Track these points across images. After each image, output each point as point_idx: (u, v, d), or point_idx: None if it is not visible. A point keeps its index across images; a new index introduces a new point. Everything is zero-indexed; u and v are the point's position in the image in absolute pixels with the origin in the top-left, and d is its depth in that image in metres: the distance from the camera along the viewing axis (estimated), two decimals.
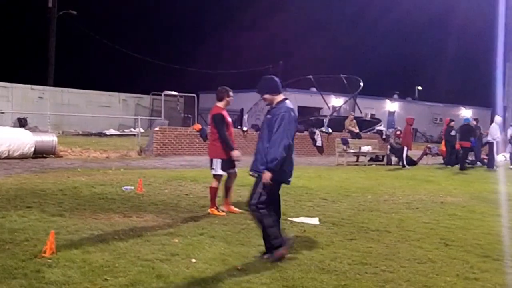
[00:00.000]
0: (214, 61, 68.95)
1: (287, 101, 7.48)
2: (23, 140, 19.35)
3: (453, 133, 25.62)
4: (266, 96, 7.57)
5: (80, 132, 39.43)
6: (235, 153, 10.43)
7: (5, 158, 18.46)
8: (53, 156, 20.43)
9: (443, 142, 26.88)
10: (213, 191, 10.59)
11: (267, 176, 7.20)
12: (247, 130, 27.73)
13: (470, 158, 26.45)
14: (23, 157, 19.07)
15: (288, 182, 7.56)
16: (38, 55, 52.46)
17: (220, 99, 10.76)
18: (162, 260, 7.02)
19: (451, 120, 26.85)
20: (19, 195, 11.47)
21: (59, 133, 33.57)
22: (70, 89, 44.91)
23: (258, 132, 27.34)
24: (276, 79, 7.74)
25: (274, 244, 7.31)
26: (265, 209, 7.36)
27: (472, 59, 72.90)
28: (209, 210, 10.55)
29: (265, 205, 7.36)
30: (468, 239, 9.22)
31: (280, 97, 7.52)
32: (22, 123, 36.65)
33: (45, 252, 6.92)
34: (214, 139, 10.54)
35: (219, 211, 10.49)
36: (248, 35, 72.31)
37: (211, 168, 10.61)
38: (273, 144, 7.14)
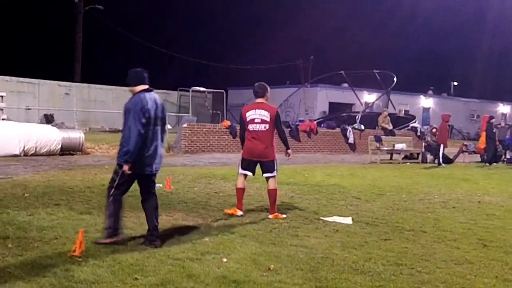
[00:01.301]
0: (243, 57, 69.03)
1: (145, 93, 7.77)
2: (50, 137, 19.58)
3: (494, 130, 25.44)
4: (129, 88, 7.93)
5: (107, 129, 39.68)
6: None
7: (32, 155, 18.71)
8: (80, 153, 20.65)
9: (481, 139, 26.65)
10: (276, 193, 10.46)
11: (125, 168, 7.54)
12: None
13: (508, 156, 26.24)
14: (50, 154, 19.30)
15: (147, 173, 7.84)
16: (65, 51, 52.93)
17: (262, 96, 10.39)
18: (192, 259, 7.07)
19: (491, 117, 26.63)
20: (47, 192, 11.62)
21: (86, 129, 33.87)
22: (97, 85, 45.23)
23: (288, 129, 27.48)
24: (139, 70, 8.00)
25: (106, 232, 7.68)
26: (117, 195, 7.73)
27: (509, 54, 72.08)
28: (271, 216, 10.24)
29: (118, 192, 7.73)
30: (507, 240, 9.15)
31: (139, 88, 7.82)
32: (48, 119, 36.96)
33: (74, 251, 7.00)
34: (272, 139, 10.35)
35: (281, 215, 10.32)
36: (279, 30, 72.32)
37: (272, 170, 10.43)
38: (124, 139, 7.56)
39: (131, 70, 8.01)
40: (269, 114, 10.16)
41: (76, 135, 20.86)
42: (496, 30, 72.49)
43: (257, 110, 10.20)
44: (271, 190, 10.38)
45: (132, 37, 56.16)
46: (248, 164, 10.41)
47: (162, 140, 7.97)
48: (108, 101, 44.42)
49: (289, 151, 10.81)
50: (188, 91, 42.75)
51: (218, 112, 43.51)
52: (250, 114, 10.22)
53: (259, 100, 10.34)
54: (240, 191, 10.46)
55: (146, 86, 7.86)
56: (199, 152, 24.08)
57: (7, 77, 39.74)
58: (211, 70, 59.86)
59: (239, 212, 10.26)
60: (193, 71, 61.42)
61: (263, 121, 10.16)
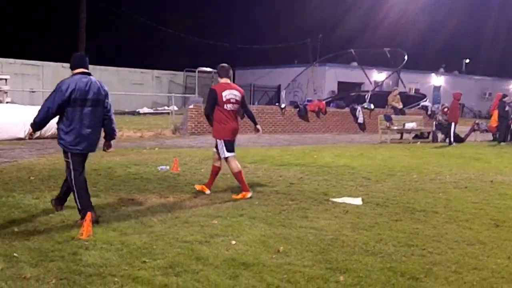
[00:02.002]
0: (250, 36, 68.74)
1: (79, 75, 8.26)
2: (55, 120, 19.57)
3: (507, 108, 25.34)
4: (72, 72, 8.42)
5: (113, 111, 39.64)
6: None
7: (37, 138, 18.73)
8: None
9: (492, 117, 26.55)
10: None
11: (29, 130, 8.46)
12: (285, 107, 27.68)
13: None
14: (55, 137, 19.07)
15: (72, 151, 8.17)
16: (69, 32, 52.81)
17: (229, 76, 10.61)
18: (201, 241, 7.10)
19: (504, 95, 26.51)
20: (52, 175, 11.66)
21: None
22: (102, 67, 45.18)
23: (297, 109, 27.50)
24: (78, 55, 8.81)
25: (82, 213, 7.90)
26: (77, 175, 8.21)
27: None
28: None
29: (76, 171, 8.22)
30: None
31: (75, 71, 8.35)
32: None
33: (81, 234, 7.05)
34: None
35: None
36: (286, 9, 71.93)
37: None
38: (38, 110, 8.19)
39: (73, 55, 8.67)
40: (240, 94, 10.46)
41: None
42: (508, 5, 71.89)
43: (231, 90, 10.37)
44: (217, 167, 10.78)
45: (138, 17, 56.13)
46: (232, 145, 10.55)
47: (97, 121, 8.33)
48: (113, 83, 44.37)
49: (258, 126, 11.05)
50: (195, 71, 42.69)
51: None
52: (226, 94, 10.26)
53: (227, 80, 10.53)
54: (241, 173, 10.49)
55: (83, 70, 8.35)
56: (206, 133, 24.05)
57: (11, 60, 39.79)
58: (217, 50, 59.62)
59: (249, 194, 10.28)
60: (200, 51, 61.17)
61: (236, 102, 10.42)
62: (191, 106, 24.76)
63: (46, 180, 11.05)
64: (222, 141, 10.35)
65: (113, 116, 8.65)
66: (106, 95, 8.46)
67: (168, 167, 13.16)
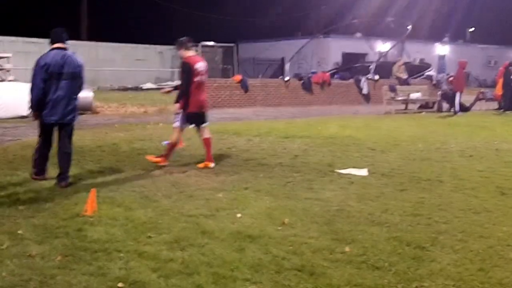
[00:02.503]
0: (252, 9, 68.36)
1: (55, 50, 8.80)
2: None
3: None
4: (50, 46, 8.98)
5: (116, 87, 39.69)
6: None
7: None
8: (90, 112, 20.65)
9: (498, 86, 26.39)
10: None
11: (33, 115, 8.98)
12: (289, 80, 27.59)
13: None
14: None
15: (52, 121, 8.78)
16: (70, 9, 52.60)
17: (192, 47, 10.71)
18: (206, 215, 7.10)
19: (511, 63, 26.35)
20: (56, 153, 11.64)
21: (95, 88, 33.84)
22: (104, 43, 45.06)
23: (301, 81, 27.42)
24: (57, 30, 9.14)
25: (33, 171, 9.07)
26: (39, 144, 9.09)
27: None
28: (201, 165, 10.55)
29: (41, 140, 9.05)
30: None
31: (53, 46, 8.91)
32: None
33: (86, 211, 7.04)
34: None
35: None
36: None
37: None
38: (29, 89, 8.73)
39: (52, 30, 9.15)
40: (206, 66, 10.60)
41: (86, 94, 20.77)
42: None
43: (200, 62, 10.45)
44: (208, 138, 10.71)
45: None
46: (199, 117, 10.61)
47: (71, 93, 8.79)
48: (117, 59, 44.29)
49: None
50: (198, 46, 42.55)
51: (229, 66, 43.30)
52: (198, 66, 10.30)
53: (193, 52, 10.70)
54: (210, 140, 10.70)
55: (60, 44, 8.91)
56: (210, 108, 24.00)
57: (13, 38, 39.63)
58: (220, 24, 59.33)
59: (213, 164, 10.48)
60: (202, 26, 60.91)
61: (206, 72, 10.58)
62: None
63: (50, 158, 11.01)
64: (184, 113, 10.37)
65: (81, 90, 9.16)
66: (83, 70, 8.97)
67: None
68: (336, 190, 8.70)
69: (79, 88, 8.98)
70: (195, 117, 10.49)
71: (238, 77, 26.74)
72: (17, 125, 16.49)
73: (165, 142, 13.04)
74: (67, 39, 9.14)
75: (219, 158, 11.23)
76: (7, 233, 6.29)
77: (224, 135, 14.86)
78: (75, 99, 8.90)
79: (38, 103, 8.61)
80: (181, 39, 10.56)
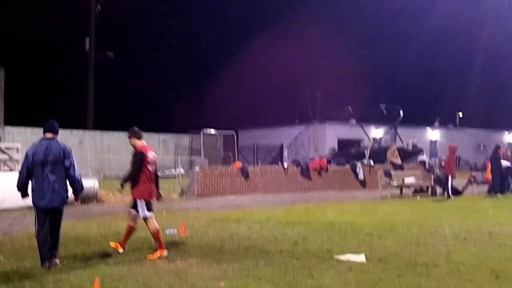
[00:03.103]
0: (252, 97, 69.31)
1: (43, 140, 9.52)
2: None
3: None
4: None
5: (121, 175, 39.77)
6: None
7: None
8: (95, 201, 20.67)
9: (488, 169, 26.46)
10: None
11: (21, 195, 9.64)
12: (287, 167, 27.73)
13: None
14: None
15: (42, 206, 9.33)
16: (78, 100, 53.32)
17: (141, 137, 10.84)
18: None
19: (498, 146, 26.63)
20: (63, 243, 11.54)
21: (100, 177, 33.96)
22: (109, 132, 45.48)
23: (299, 167, 27.50)
24: (48, 121, 9.78)
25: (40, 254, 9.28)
26: (39, 230, 9.36)
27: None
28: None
29: (39, 226, 9.37)
30: None
31: (45, 136, 9.61)
32: None
33: None
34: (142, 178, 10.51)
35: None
36: (285, 69, 72.51)
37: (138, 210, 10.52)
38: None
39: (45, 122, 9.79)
40: (155, 156, 10.79)
41: (91, 183, 20.87)
42: (496, 57, 72.68)
43: (151, 151, 10.70)
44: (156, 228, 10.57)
45: (142, 83, 56.83)
46: (151, 205, 10.61)
47: (57, 179, 9.34)
48: (121, 148, 44.56)
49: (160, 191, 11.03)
50: (199, 133, 42.91)
51: (230, 154, 43.56)
52: (150, 156, 10.55)
53: (143, 142, 10.81)
54: (159, 233, 10.58)
55: (48, 134, 9.58)
56: (212, 195, 24.10)
57: (22, 128, 40.02)
58: (221, 112, 60.12)
59: (165, 252, 10.36)
60: (204, 114, 61.69)
61: (155, 163, 10.76)
62: (197, 169, 24.84)
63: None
64: (143, 200, 10.41)
65: (74, 173, 9.49)
66: (67, 156, 9.44)
67: (176, 231, 13.12)
68: (336, 277, 8.67)
69: (67, 173, 9.41)
70: (149, 205, 10.55)
71: (239, 164, 26.91)
72: (25, 214, 16.46)
73: (169, 231, 13.06)
74: (55, 130, 9.69)
75: (221, 246, 11.22)
76: None
77: (226, 222, 14.85)
78: (63, 184, 9.41)
79: (21, 188, 9.45)
80: (133, 128, 10.81)
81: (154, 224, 10.48)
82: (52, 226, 9.48)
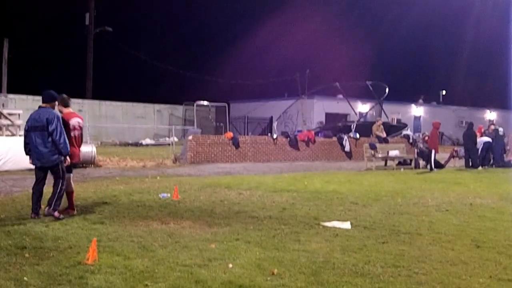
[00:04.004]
0: (244, 71, 69.05)
1: (38, 108, 10.27)
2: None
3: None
4: None
5: (118, 142, 39.72)
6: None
7: None
8: (92, 165, 20.59)
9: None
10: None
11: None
12: (277, 137, 27.65)
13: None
14: None
15: (36, 165, 10.27)
16: (77, 70, 53.04)
17: (69, 105, 11.00)
18: (200, 265, 6.99)
19: (472, 123, 26.73)
20: (62, 204, 11.52)
21: (97, 143, 33.84)
22: (107, 101, 45.34)
23: (288, 138, 27.45)
24: (44, 91, 10.51)
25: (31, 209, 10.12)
26: (34, 184, 10.37)
27: (492, 61, 72.26)
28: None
29: (35, 181, 10.39)
30: (500, 240, 9.04)
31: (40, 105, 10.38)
32: None
33: (87, 259, 6.93)
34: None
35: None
36: (276, 45, 72.24)
37: None
38: None
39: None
40: (81, 122, 10.98)
41: (89, 149, 20.75)
42: (481, 35, 72.58)
43: (76, 118, 10.80)
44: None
45: (139, 56, 56.44)
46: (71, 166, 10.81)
47: (45, 142, 9.97)
48: (118, 116, 44.50)
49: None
50: (193, 105, 42.73)
51: (221, 124, 43.47)
52: (72, 122, 10.61)
53: (69, 109, 10.96)
54: (73, 193, 10.82)
55: (43, 104, 10.30)
56: (204, 163, 24.03)
57: (23, 96, 39.85)
58: (214, 85, 59.82)
59: (74, 212, 10.51)
60: (198, 85, 61.41)
61: (80, 128, 10.86)
62: (190, 137, 24.73)
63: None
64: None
65: (57, 137, 9.90)
66: (50, 122, 9.90)
67: (169, 195, 13.04)
68: (322, 242, 8.60)
69: (51, 137, 9.92)
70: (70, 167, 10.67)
71: (230, 134, 26.83)
72: (26, 176, 16.34)
73: (163, 195, 12.98)
74: (48, 99, 10.33)
75: (212, 210, 11.15)
76: (13, 280, 6.21)
77: (217, 188, 14.77)
78: (47, 147, 9.97)
79: (24, 149, 10.33)
80: (62, 95, 10.78)
81: (71, 184, 10.68)
82: (54, 180, 10.29)
